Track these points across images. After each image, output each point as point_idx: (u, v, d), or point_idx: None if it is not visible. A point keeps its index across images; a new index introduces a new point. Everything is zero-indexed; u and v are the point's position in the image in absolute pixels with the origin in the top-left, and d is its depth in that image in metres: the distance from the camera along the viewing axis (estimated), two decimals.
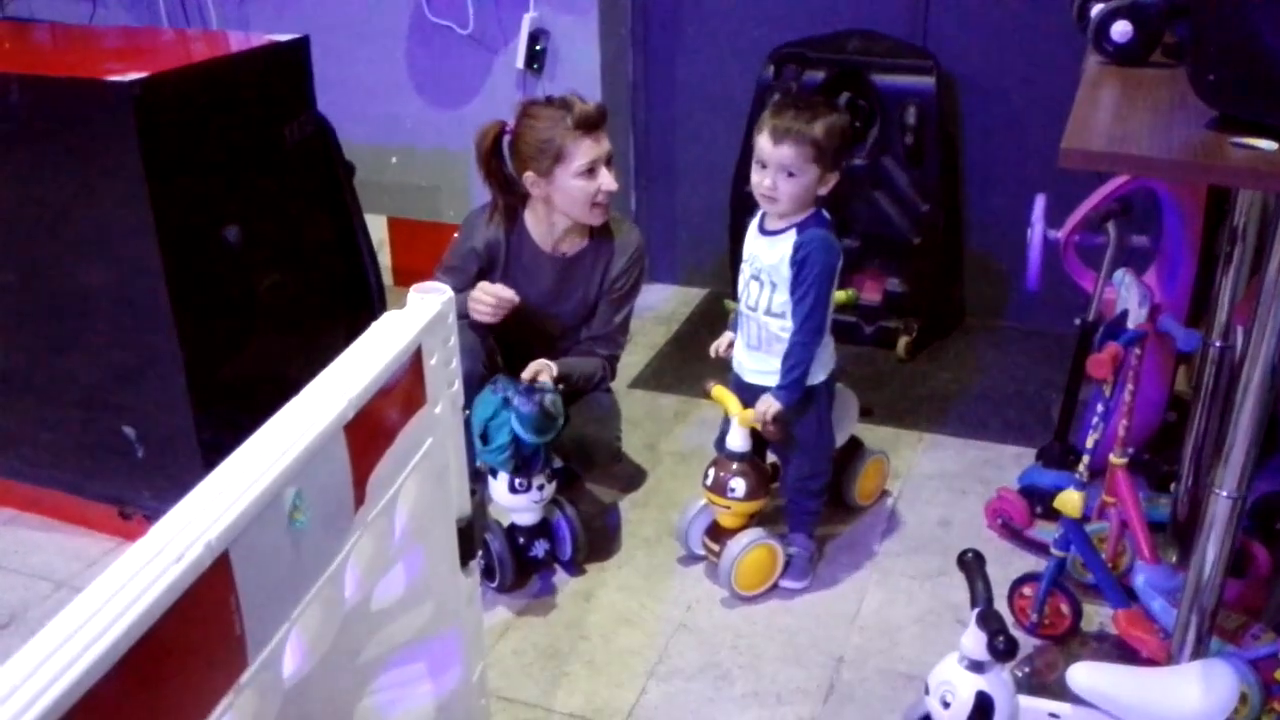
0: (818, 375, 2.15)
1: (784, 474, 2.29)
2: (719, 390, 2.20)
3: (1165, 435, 2.55)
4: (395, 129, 3.50)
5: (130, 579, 0.87)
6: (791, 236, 2.06)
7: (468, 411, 2.12)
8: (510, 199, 2.29)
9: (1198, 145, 1.28)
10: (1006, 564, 2.29)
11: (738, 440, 2.17)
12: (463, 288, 2.26)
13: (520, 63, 3.21)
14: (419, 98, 3.43)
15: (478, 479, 2.22)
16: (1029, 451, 2.63)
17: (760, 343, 2.16)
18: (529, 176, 2.24)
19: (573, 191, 2.23)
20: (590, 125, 2.18)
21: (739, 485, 2.16)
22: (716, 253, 3.45)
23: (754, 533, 2.18)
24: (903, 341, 3.14)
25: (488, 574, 2.19)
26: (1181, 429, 2.54)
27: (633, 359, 3.19)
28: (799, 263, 2.04)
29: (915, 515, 2.46)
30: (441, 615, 1.54)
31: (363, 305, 2.69)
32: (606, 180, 2.23)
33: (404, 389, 1.40)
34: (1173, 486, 2.35)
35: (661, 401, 2.97)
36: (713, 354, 2.27)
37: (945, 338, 3.27)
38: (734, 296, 3.21)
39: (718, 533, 2.23)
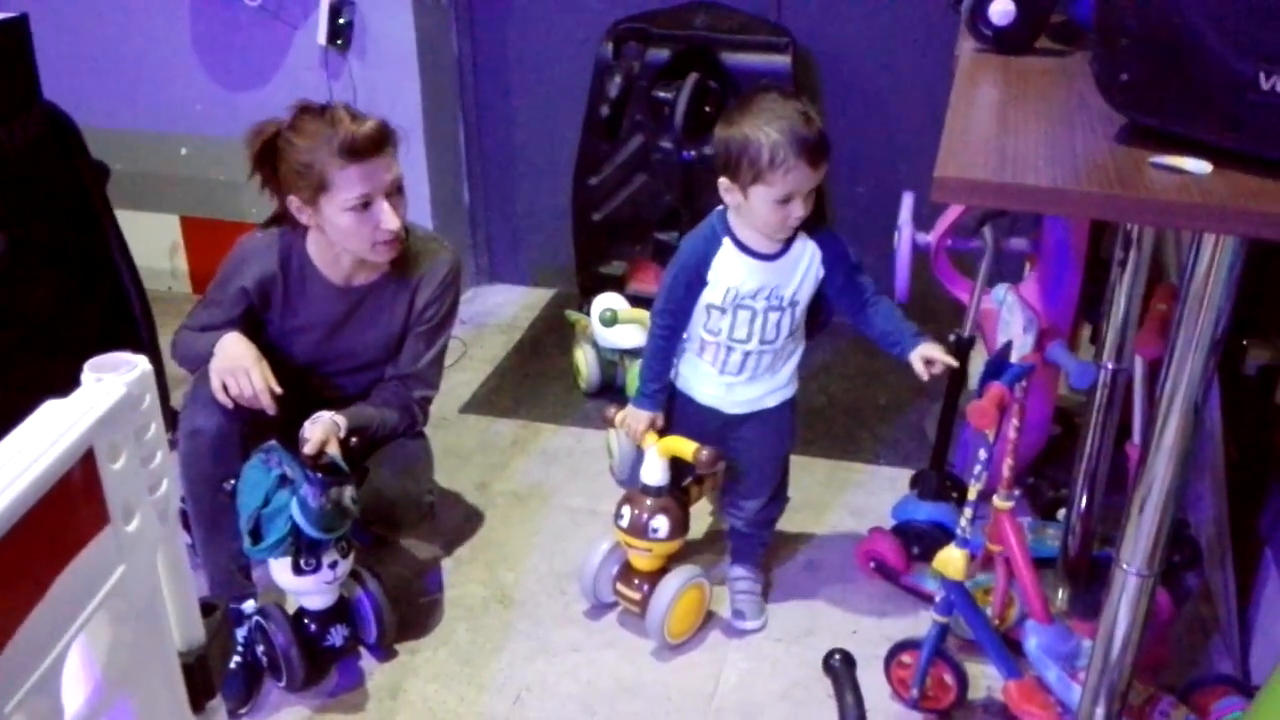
0: (796, 380, 1.96)
1: (741, 502, 2.01)
2: (668, 442, 1.89)
3: (1048, 451, 2.32)
4: (182, 115, 3.02)
5: None
6: (808, 245, 1.82)
7: (234, 483, 1.73)
8: (291, 216, 1.87)
9: (1110, 169, 0.98)
10: (882, 613, 2.03)
11: (656, 474, 1.89)
12: (224, 325, 1.85)
13: (322, 38, 2.77)
14: (207, 78, 2.96)
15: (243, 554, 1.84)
16: (904, 473, 2.37)
17: (765, 368, 1.90)
18: (293, 201, 1.82)
19: (343, 228, 1.81)
20: (357, 153, 1.75)
21: (662, 524, 1.88)
22: (562, 249, 3.09)
23: (685, 572, 1.93)
24: None
25: (273, 671, 1.81)
26: (1066, 444, 2.32)
27: (466, 377, 2.82)
28: (841, 257, 1.84)
29: (776, 557, 2.16)
30: None
31: (127, 331, 2.25)
32: (385, 217, 1.80)
33: (63, 512, 1.01)
34: (1060, 514, 2.12)
35: (498, 429, 2.61)
36: (639, 440, 1.94)
37: (808, 340, 2.99)
38: (579, 305, 2.89)
39: (632, 576, 1.94)
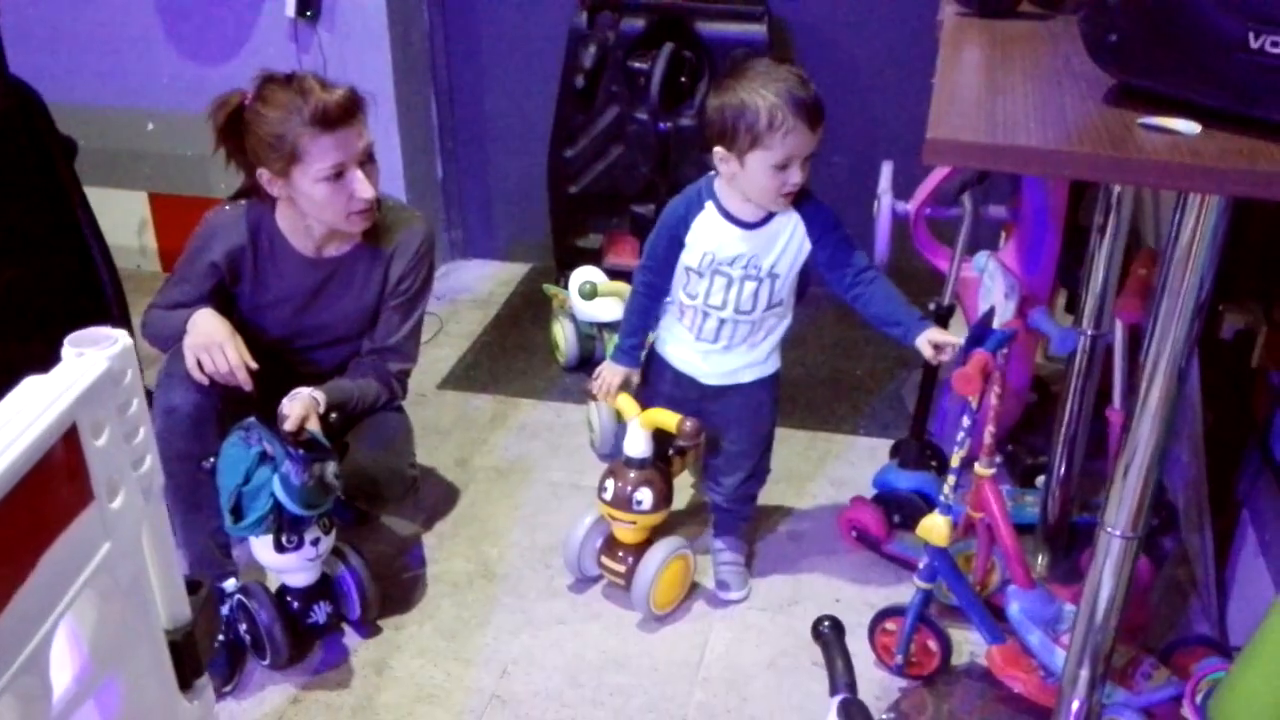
0: (777, 359, 1.94)
1: (720, 478, 2.00)
2: (651, 414, 1.89)
3: (1025, 419, 2.33)
4: (149, 89, 2.96)
5: None
6: (791, 217, 1.80)
7: (213, 461, 1.71)
8: (260, 188, 1.84)
9: (1101, 130, 0.98)
10: (864, 582, 2.04)
11: (640, 445, 1.89)
12: (194, 301, 1.82)
13: (290, 9, 2.73)
14: (174, 51, 2.90)
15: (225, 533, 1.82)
16: (883, 443, 2.38)
17: (742, 339, 1.88)
18: (263, 174, 1.79)
19: (317, 199, 1.78)
20: (329, 121, 1.73)
21: (646, 496, 1.89)
22: (538, 223, 3.06)
23: (669, 544, 1.93)
24: None
25: (256, 649, 1.79)
26: (1043, 411, 2.34)
27: (442, 352, 2.80)
28: (828, 227, 1.81)
29: (759, 528, 2.17)
30: None
31: (98, 310, 2.21)
32: (360, 186, 1.78)
33: (47, 489, 0.99)
34: (1039, 481, 2.14)
35: (476, 404, 2.60)
36: (604, 398, 1.95)
37: None
38: (556, 279, 2.88)
39: (616, 549, 1.95)
